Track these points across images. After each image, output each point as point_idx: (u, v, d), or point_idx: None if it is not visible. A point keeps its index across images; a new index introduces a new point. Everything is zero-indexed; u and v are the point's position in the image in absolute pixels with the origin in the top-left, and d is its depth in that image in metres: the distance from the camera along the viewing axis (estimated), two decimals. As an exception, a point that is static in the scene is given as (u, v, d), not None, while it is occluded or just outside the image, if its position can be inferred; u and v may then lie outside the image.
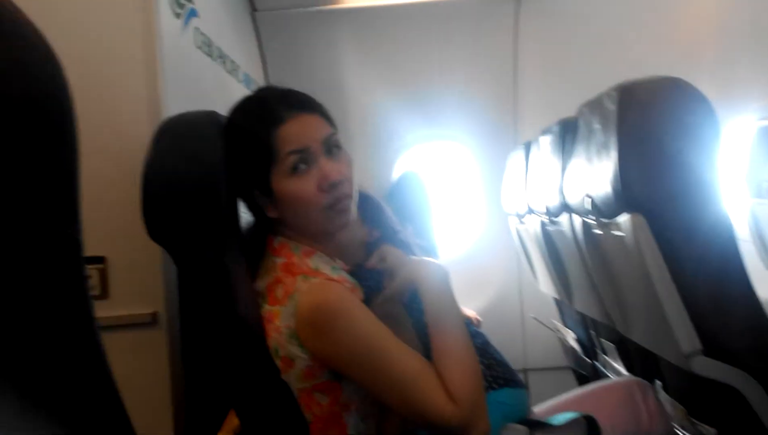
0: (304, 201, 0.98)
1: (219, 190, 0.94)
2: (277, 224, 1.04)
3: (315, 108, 1.01)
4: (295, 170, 0.97)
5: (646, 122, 0.93)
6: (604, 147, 1.02)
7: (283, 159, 0.96)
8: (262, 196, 1.01)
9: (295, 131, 0.97)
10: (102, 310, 1.15)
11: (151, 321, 1.17)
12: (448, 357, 0.91)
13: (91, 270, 1.14)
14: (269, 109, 0.98)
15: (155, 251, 1.12)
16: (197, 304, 1.02)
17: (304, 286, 0.93)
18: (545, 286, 2.14)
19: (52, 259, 0.50)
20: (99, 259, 1.14)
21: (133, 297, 1.17)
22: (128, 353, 1.18)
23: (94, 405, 0.58)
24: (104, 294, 1.15)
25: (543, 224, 1.75)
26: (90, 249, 1.13)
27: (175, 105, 1.16)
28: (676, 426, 1.27)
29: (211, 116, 1.00)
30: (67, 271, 0.53)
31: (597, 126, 1.06)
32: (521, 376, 2.72)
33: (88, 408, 0.57)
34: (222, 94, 1.67)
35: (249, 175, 0.99)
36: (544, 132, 1.58)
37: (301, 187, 0.97)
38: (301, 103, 1.00)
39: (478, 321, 2.44)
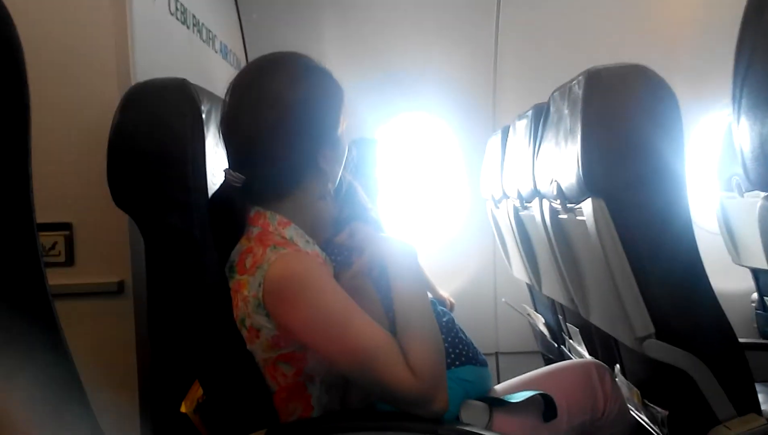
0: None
1: (185, 158, 0.94)
2: (254, 193, 1.03)
3: None
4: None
5: (609, 107, 0.94)
6: (570, 132, 1.03)
7: (343, 121, 1.06)
8: (326, 146, 1.04)
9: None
10: (68, 277, 1.15)
11: (118, 290, 1.17)
12: (411, 332, 0.93)
13: (57, 236, 1.13)
14: (324, 70, 1.06)
15: (122, 219, 1.12)
16: (163, 273, 1.02)
17: (273, 257, 0.94)
18: (518, 271, 2.17)
19: (2, 219, 0.50)
20: (65, 226, 1.13)
21: (99, 265, 1.17)
22: (94, 321, 1.18)
23: (45, 367, 0.58)
24: (70, 261, 1.15)
25: (516, 209, 1.78)
26: (56, 215, 1.14)
27: (146, 71, 1.15)
28: (631, 408, 1.31)
29: (180, 83, 0.99)
30: (17, 232, 0.53)
31: (566, 111, 1.07)
32: (492, 359, 2.79)
33: (40, 370, 0.57)
34: (196, 63, 1.65)
35: (324, 130, 1.03)
36: (519, 117, 1.60)
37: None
38: None
39: (451, 303, 2.48)
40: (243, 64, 2.30)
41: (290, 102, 0.98)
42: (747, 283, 2.16)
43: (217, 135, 1.10)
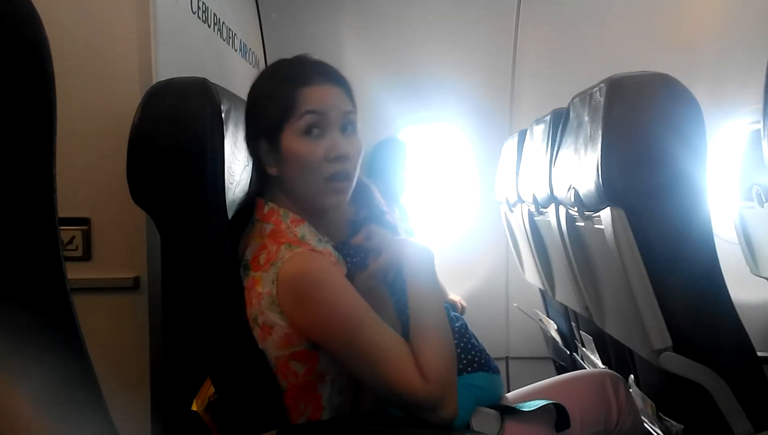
0: (308, 165, 0.98)
1: (204, 158, 0.94)
2: (269, 190, 1.04)
3: (343, 84, 1.04)
4: (308, 132, 0.98)
5: (631, 116, 0.93)
6: (591, 139, 1.02)
7: (300, 117, 0.98)
8: (269, 150, 1.00)
9: (319, 95, 0.99)
10: (84, 272, 1.16)
11: (133, 285, 1.18)
12: (424, 337, 0.92)
13: (75, 231, 1.14)
14: (301, 70, 1.01)
15: (140, 215, 1.13)
16: (179, 271, 1.03)
17: (287, 254, 0.94)
18: (531, 276, 2.15)
19: (26, 215, 0.51)
20: (83, 221, 1.15)
21: (116, 260, 1.18)
22: (109, 316, 1.19)
23: (62, 363, 0.59)
24: (87, 255, 1.16)
25: (531, 214, 1.76)
26: (75, 210, 1.15)
27: (168, 69, 1.16)
28: (645, 420, 1.29)
29: (201, 83, 1.00)
30: (39, 229, 0.53)
31: (586, 118, 1.06)
32: (502, 363, 2.78)
33: (56, 365, 0.58)
34: (217, 61, 1.66)
35: (263, 123, 1.01)
36: (537, 121, 1.58)
37: (310, 150, 0.98)
38: (332, 75, 1.02)
39: (462, 307, 2.47)
40: (262, 62, 2.31)
41: (248, 107, 1.06)
42: (766, 294, 2.13)
43: (235, 134, 1.11)
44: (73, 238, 1.14)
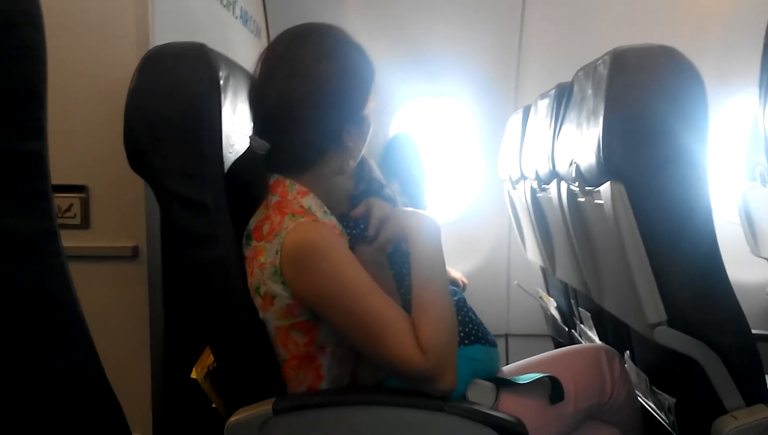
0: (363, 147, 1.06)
1: (201, 125, 0.94)
2: (275, 162, 1.03)
3: None
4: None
5: (634, 89, 0.92)
6: (593, 113, 1.01)
7: (371, 100, 1.05)
8: (351, 123, 1.03)
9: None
10: (82, 240, 1.16)
11: (132, 254, 1.19)
12: (425, 309, 0.93)
13: (73, 198, 1.14)
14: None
15: (139, 184, 1.13)
16: (177, 240, 1.03)
17: (291, 225, 0.94)
18: (532, 254, 2.16)
19: (13, 172, 0.51)
20: (81, 188, 1.15)
21: (114, 229, 1.18)
22: (108, 285, 1.20)
23: (60, 330, 0.59)
24: (85, 223, 1.16)
25: (533, 191, 1.75)
26: (73, 177, 1.15)
27: (165, 34, 1.15)
28: (639, 394, 1.30)
29: (199, 48, 0.98)
30: (29, 187, 0.53)
31: (589, 91, 1.05)
32: (502, 341, 2.80)
33: (54, 333, 0.58)
34: (216, 28, 1.63)
35: (356, 93, 1.03)
36: (542, 96, 1.57)
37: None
38: None
39: (464, 283, 2.48)
40: (263, 31, 2.28)
41: (320, 76, 0.98)
42: (765, 274, 2.13)
43: (234, 103, 1.09)
44: (71, 205, 1.14)
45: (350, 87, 1.01)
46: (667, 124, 0.91)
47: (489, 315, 1.40)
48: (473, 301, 1.47)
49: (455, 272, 2.50)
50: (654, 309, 0.96)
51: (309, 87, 0.98)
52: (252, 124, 1.04)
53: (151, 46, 1.13)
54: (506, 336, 2.82)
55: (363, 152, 1.13)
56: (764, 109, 0.71)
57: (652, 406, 1.24)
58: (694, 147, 0.93)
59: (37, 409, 0.53)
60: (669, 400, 1.12)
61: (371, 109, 1.06)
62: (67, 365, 0.58)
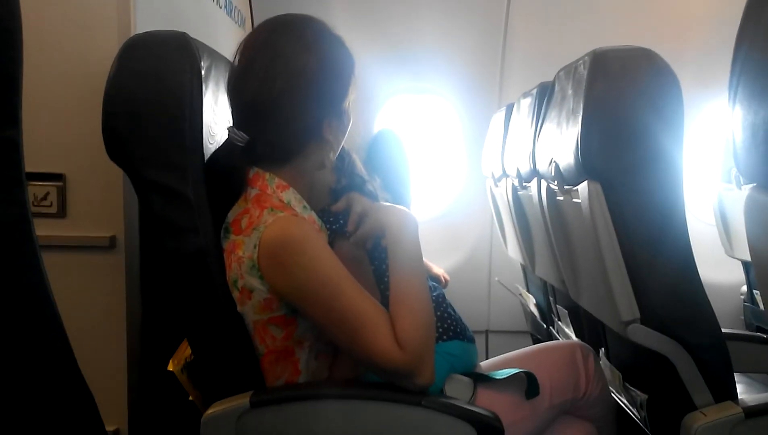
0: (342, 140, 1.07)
1: (182, 116, 0.93)
2: (255, 155, 1.02)
3: None
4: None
5: (612, 90, 0.93)
6: (573, 113, 1.02)
7: (351, 92, 1.05)
8: (332, 116, 1.03)
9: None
10: (59, 229, 1.15)
11: (110, 245, 1.17)
12: (403, 304, 0.93)
13: (50, 187, 1.13)
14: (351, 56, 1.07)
15: (117, 173, 1.11)
16: (156, 231, 1.02)
17: (270, 219, 0.94)
18: (513, 251, 2.17)
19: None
20: (58, 177, 1.13)
21: (92, 218, 1.16)
22: (84, 275, 1.19)
23: (31, 320, 0.58)
24: (62, 213, 1.14)
25: (514, 189, 1.77)
26: (49, 165, 1.13)
27: (147, 22, 1.13)
28: (613, 390, 1.33)
29: (181, 37, 0.97)
30: (3, 173, 0.52)
31: (570, 91, 1.06)
32: (482, 337, 2.82)
33: (25, 323, 0.57)
34: (199, 17, 1.61)
35: (336, 86, 1.02)
36: (524, 95, 1.58)
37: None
38: None
39: (446, 280, 2.49)
40: (248, 21, 2.26)
41: (300, 67, 0.97)
42: (739, 275, 2.17)
43: (216, 93, 1.09)
44: (47, 193, 1.12)
45: (330, 79, 1.01)
46: (644, 125, 0.93)
47: (470, 311, 1.41)
48: (455, 297, 1.48)
49: (437, 268, 2.51)
50: (628, 307, 0.98)
51: (288, 79, 0.97)
52: (231, 116, 1.03)
53: (133, 31, 1.11)
54: (486, 332, 2.84)
55: (344, 146, 1.13)
56: (733, 113, 0.73)
57: (625, 402, 1.27)
58: (670, 149, 0.95)
59: (5, 400, 0.52)
60: (641, 396, 1.14)
61: (351, 102, 1.06)
62: (37, 356, 0.57)
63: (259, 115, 0.99)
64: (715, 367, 0.98)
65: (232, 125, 1.01)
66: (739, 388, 1.02)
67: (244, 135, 0.98)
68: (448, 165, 2.93)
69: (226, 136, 1.01)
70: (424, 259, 2.00)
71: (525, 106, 1.55)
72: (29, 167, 0.58)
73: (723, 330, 1.01)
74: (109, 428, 1.20)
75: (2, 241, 0.52)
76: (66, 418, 0.64)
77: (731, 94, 0.73)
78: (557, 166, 1.14)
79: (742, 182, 1.77)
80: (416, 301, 0.94)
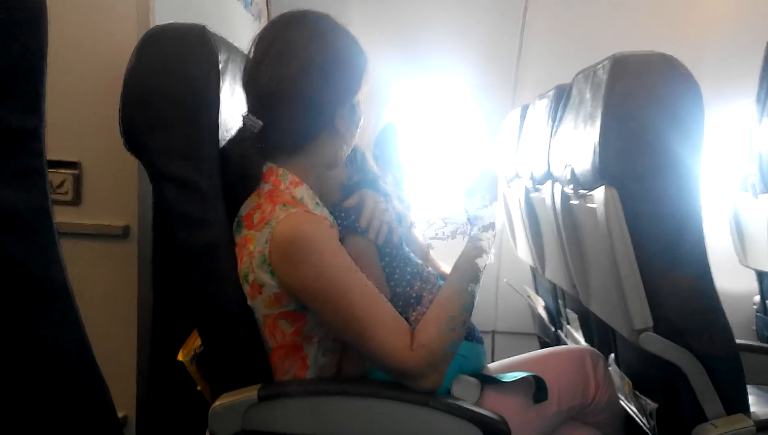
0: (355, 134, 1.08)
1: (199, 109, 0.93)
2: (268, 145, 1.03)
3: None
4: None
5: (632, 96, 0.92)
6: (591, 117, 1.01)
7: (364, 86, 1.06)
8: (344, 108, 1.03)
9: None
10: (73, 217, 1.16)
11: (123, 234, 1.18)
12: (441, 315, 0.96)
13: (65, 174, 1.13)
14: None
15: (132, 163, 1.12)
16: (169, 222, 1.03)
17: (282, 214, 0.94)
18: (522, 252, 2.16)
19: (9, 147, 0.50)
20: (74, 165, 1.14)
21: (106, 207, 1.17)
22: (97, 263, 1.20)
23: (47, 305, 0.59)
24: (77, 200, 1.15)
25: (527, 191, 1.76)
26: (66, 153, 1.14)
27: (166, 14, 1.13)
28: (622, 398, 1.32)
29: (200, 30, 0.97)
30: (25, 164, 0.53)
31: (588, 95, 1.05)
32: (489, 337, 2.81)
33: (41, 307, 0.58)
34: (217, 10, 1.62)
35: (350, 78, 1.03)
36: (540, 96, 1.57)
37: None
38: None
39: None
40: (264, 14, 2.26)
41: (313, 56, 0.99)
42: (752, 284, 2.15)
43: (233, 87, 1.09)
44: (63, 181, 1.13)
45: (343, 69, 1.02)
46: (663, 132, 0.92)
47: (477, 311, 1.40)
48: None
49: (446, 266, 2.50)
50: (641, 315, 0.97)
51: (302, 65, 0.98)
52: (246, 105, 1.04)
53: (152, 24, 1.12)
54: (493, 332, 2.83)
55: (355, 141, 1.13)
56: (760, 124, 0.72)
57: (634, 410, 1.25)
58: (688, 156, 0.93)
59: (23, 387, 0.52)
60: (651, 405, 1.13)
61: (364, 96, 1.06)
62: (55, 343, 0.57)
63: (272, 101, 0.99)
64: (728, 378, 0.97)
65: (246, 112, 1.01)
66: (750, 400, 1.01)
67: (258, 121, 0.98)
68: (458, 162, 2.92)
69: (240, 126, 1.01)
70: (432, 257, 2.01)
71: (541, 107, 1.53)
72: (47, 155, 0.58)
73: (736, 341, 1.00)
74: (118, 415, 1.21)
75: (23, 230, 0.52)
76: (80, 404, 0.64)
77: (759, 104, 0.72)
78: (573, 170, 1.13)
79: (758, 191, 1.74)
80: (454, 318, 0.96)
